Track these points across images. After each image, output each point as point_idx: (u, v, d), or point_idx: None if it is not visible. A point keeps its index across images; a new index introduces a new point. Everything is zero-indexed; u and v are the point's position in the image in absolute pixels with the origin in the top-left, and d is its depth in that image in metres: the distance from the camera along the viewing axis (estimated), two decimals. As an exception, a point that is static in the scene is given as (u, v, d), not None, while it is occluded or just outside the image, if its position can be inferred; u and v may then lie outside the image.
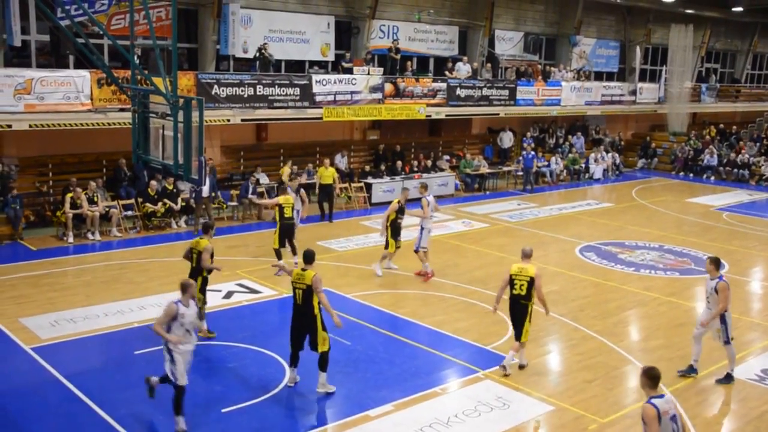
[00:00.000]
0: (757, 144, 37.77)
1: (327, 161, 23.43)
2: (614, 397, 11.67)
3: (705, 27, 40.39)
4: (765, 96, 45.29)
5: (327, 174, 22.56)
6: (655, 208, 27.46)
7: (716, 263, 12.03)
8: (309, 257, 11.14)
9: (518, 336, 12.12)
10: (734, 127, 40.88)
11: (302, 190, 18.17)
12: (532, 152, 30.83)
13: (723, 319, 11.91)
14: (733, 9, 39.29)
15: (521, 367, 12.27)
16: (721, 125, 40.60)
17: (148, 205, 20.19)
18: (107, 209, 19.52)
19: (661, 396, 7.42)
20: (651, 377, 7.45)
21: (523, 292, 11.94)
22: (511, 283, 12.06)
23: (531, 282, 11.90)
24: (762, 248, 21.61)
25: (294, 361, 11.12)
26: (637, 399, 11.54)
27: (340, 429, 10.12)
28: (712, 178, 35.31)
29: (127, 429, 9.82)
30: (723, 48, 44.52)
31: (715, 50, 43.87)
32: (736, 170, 35.39)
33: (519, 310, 12.06)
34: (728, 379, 12.01)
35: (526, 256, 12.31)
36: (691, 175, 35.81)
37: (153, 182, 20.40)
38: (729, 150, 37.16)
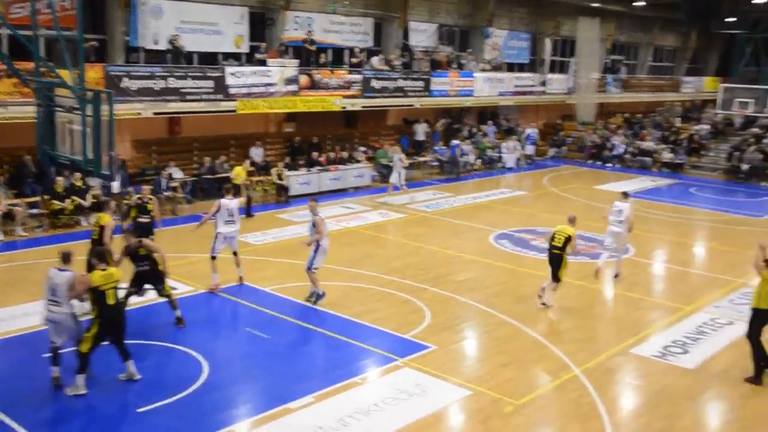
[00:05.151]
0: (659, 132, 38.95)
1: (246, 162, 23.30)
2: (529, 380, 11.98)
3: (610, 20, 41.39)
4: (665, 87, 46.77)
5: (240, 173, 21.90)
6: (565, 195, 28.12)
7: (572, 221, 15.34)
8: (102, 255, 10.84)
9: (555, 277, 15.15)
10: (639, 115, 42.05)
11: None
12: (457, 141, 31.44)
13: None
14: (635, 3, 40.35)
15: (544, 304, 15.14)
16: (627, 114, 41.74)
17: (55, 202, 19.59)
18: (10, 208, 18.80)
19: None
20: None
21: (560, 245, 14.99)
22: (552, 237, 15.17)
23: (568, 239, 14.92)
24: (664, 232, 22.43)
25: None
26: (550, 380, 11.90)
27: (260, 423, 10.06)
28: (617, 165, 36.29)
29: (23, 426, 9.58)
30: (627, 41, 45.71)
31: (620, 43, 44.99)
32: (639, 157, 36.44)
33: (556, 258, 15.13)
34: None
35: (570, 221, 15.42)
36: (599, 162, 36.74)
37: (60, 178, 19.83)
38: (634, 138, 38.24)
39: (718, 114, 38.43)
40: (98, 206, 20.03)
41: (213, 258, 15.27)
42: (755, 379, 12.07)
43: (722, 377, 12.40)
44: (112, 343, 10.71)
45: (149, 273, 12.86)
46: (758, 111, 34.96)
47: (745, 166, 33.68)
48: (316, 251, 14.58)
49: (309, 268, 14.61)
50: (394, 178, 25.65)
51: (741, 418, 11.10)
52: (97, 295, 10.37)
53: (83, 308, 11.27)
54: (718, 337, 14.11)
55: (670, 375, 12.31)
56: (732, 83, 35.32)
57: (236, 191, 17.78)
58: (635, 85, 43.90)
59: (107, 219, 13.80)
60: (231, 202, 15.41)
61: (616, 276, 17.51)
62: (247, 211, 21.56)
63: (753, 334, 12.14)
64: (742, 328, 14.24)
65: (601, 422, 10.53)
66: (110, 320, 10.57)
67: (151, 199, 16.63)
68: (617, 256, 17.44)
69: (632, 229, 17.27)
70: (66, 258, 10.58)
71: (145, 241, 13.11)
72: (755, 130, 36.51)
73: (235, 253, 15.61)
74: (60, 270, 10.41)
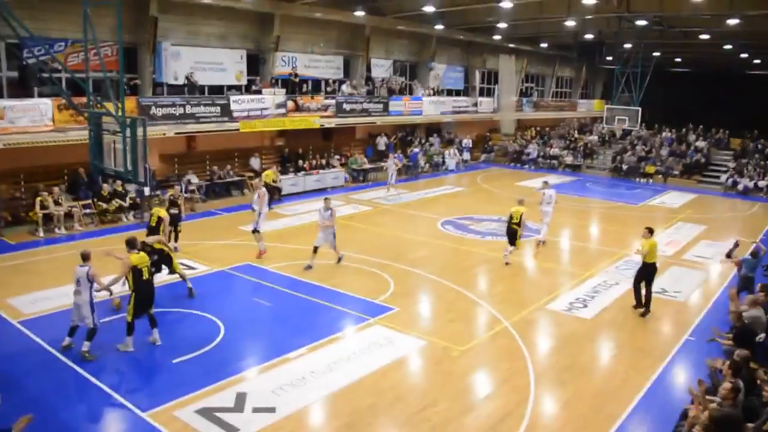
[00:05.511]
0: (562, 141, 39.43)
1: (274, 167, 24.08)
2: (470, 331, 12.11)
3: (523, 57, 41.62)
4: (565, 107, 47.22)
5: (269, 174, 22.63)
6: (494, 190, 28.31)
7: None
8: (133, 243, 10.80)
9: (513, 243, 16.34)
10: (547, 129, 42.47)
11: (263, 189, 16.80)
12: (417, 149, 31.96)
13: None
14: (541, 45, 40.75)
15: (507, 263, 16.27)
16: (538, 127, 42.16)
17: (101, 204, 19.48)
18: (70, 208, 18.68)
19: None
20: None
21: (516, 220, 16.07)
22: (511, 216, 16.21)
23: (521, 216, 16.03)
24: (568, 217, 22.59)
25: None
26: (485, 330, 12.11)
27: (268, 368, 10.15)
28: (532, 166, 36.69)
29: (102, 382, 9.58)
30: (536, 72, 46.03)
31: (531, 74, 45.29)
32: (548, 160, 36.88)
33: (513, 231, 16.18)
34: None
35: (520, 203, 16.56)
36: (518, 165, 37.07)
37: (105, 185, 19.69)
38: (544, 146, 38.64)
39: (604, 128, 38.90)
40: (135, 206, 20.18)
41: (256, 231, 16.21)
42: (636, 306, 13.39)
43: (611, 323, 12.74)
44: (144, 312, 10.72)
45: (159, 260, 12.82)
46: (632, 126, 35.57)
47: (624, 166, 34.33)
48: (334, 236, 15.58)
49: (334, 248, 15.67)
50: (389, 180, 26.38)
51: (625, 352, 11.42)
52: (135, 272, 10.39)
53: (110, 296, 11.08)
54: (608, 294, 14.44)
55: (574, 324, 12.60)
56: (612, 105, 35.81)
57: (268, 190, 18.78)
58: (543, 106, 44.14)
59: (163, 212, 14.38)
60: (257, 192, 16.45)
61: (543, 242, 18.29)
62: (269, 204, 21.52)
63: (636, 278, 13.42)
64: (625, 287, 14.75)
65: (524, 361, 10.75)
66: (145, 292, 10.62)
67: (179, 196, 17.12)
68: (544, 228, 18.29)
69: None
70: (85, 257, 10.39)
71: (148, 239, 12.90)
72: (631, 138, 37.27)
73: (256, 231, 16.30)
74: (81, 266, 10.28)
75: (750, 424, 7.07)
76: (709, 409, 7.42)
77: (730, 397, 7.47)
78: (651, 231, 13.40)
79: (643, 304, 13.31)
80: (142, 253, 10.71)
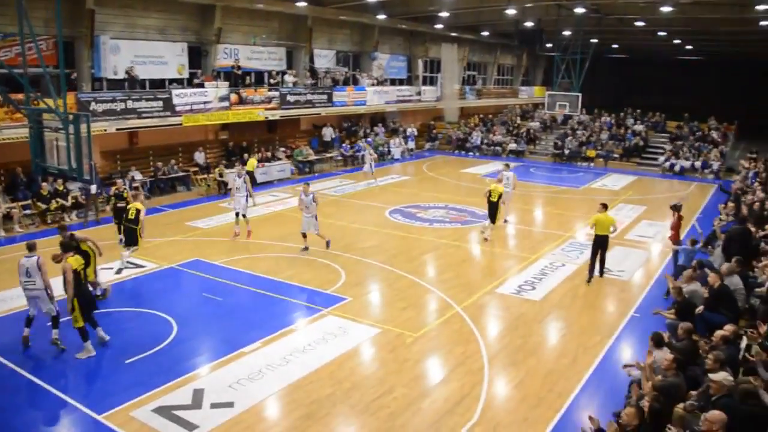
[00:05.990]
0: (505, 127, 40.01)
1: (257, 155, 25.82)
2: (422, 318, 12.28)
3: (465, 45, 42.03)
4: (507, 94, 47.92)
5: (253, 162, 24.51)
6: (439, 177, 28.57)
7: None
8: (69, 246, 10.63)
9: (493, 221, 17.62)
10: (490, 116, 43.03)
11: (246, 177, 17.70)
12: (370, 138, 32.23)
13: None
14: (482, 33, 41.21)
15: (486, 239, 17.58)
16: (481, 115, 42.68)
17: (40, 204, 18.85)
18: (8, 210, 18.08)
19: None
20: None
21: (495, 200, 17.26)
22: (490, 194, 17.31)
23: (500, 195, 17.35)
24: (513, 202, 22.83)
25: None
26: (437, 316, 12.29)
27: (223, 364, 10.12)
28: (477, 153, 37.15)
29: (55, 387, 9.41)
30: (478, 60, 46.56)
31: (473, 62, 45.78)
32: (492, 147, 37.41)
33: (494, 207, 17.37)
34: None
35: (499, 180, 18.28)
36: (463, 152, 37.49)
37: (44, 184, 18.98)
38: (487, 133, 39.14)
39: (545, 113, 39.60)
40: (78, 205, 19.68)
41: (237, 214, 17.38)
42: (587, 280, 14.43)
43: (559, 304, 13.12)
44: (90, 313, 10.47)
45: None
46: (572, 111, 36.32)
47: (566, 151, 35.12)
48: (315, 219, 15.94)
49: (317, 233, 16.03)
50: (366, 168, 26.64)
51: (574, 331, 11.77)
52: (76, 276, 10.10)
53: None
54: (555, 275, 14.85)
55: (523, 306, 12.92)
56: (553, 92, 36.51)
57: (250, 175, 20.48)
58: (486, 93, 44.66)
59: (140, 205, 14.38)
60: (240, 179, 17.40)
61: (506, 221, 19.70)
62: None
63: (592, 252, 14.48)
64: (571, 268, 15.19)
65: (477, 344, 11.00)
66: (85, 295, 10.38)
67: (125, 189, 16.90)
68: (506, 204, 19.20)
69: (515, 188, 20.00)
70: (31, 247, 10.39)
71: (77, 234, 12.30)
72: (572, 123, 38.11)
73: (244, 216, 17.44)
74: (27, 257, 10.21)
75: (693, 392, 7.45)
76: (653, 381, 7.78)
77: (672, 367, 7.82)
78: (604, 206, 14.45)
79: (591, 276, 14.52)
80: (77, 256, 10.45)
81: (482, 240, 17.73)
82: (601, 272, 14.65)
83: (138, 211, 14.20)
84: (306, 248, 16.18)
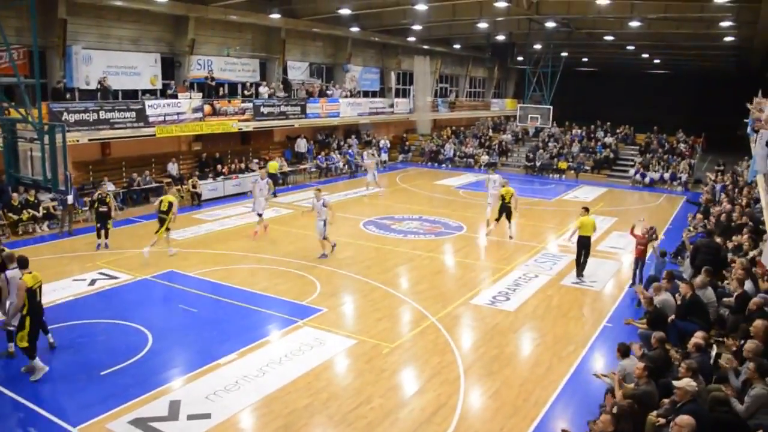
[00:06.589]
0: (477, 140, 40.42)
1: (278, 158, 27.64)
2: (398, 329, 12.36)
3: (437, 58, 42.42)
4: (479, 107, 48.39)
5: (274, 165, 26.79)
6: (413, 189, 28.75)
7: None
8: (25, 262, 10.04)
9: (509, 220, 19.07)
10: (462, 128, 43.41)
11: (269, 180, 19.68)
12: (351, 150, 32.50)
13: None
14: (454, 46, 41.66)
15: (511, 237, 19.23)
16: (454, 127, 43.04)
17: (10, 214, 18.60)
18: (-25, 221, 17.85)
19: None
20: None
21: (508, 200, 18.74)
22: (503, 197, 18.72)
23: (512, 195, 18.78)
24: (485, 214, 23.28)
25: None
26: (413, 327, 12.36)
27: (199, 375, 10.08)
28: (449, 165, 37.43)
29: (28, 400, 9.28)
30: (450, 73, 46.99)
31: (445, 74, 46.20)
32: (465, 159, 37.74)
33: (506, 208, 18.78)
34: None
35: (503, 185, 19.39)
36: (436, 164, 37.74)
37: (15, 194, 18.74)
38: (460, 145, 39.48)
39: (517, 126, 40.14)
40: (49, 216, 19.46)
41: (259, 215, 18.94)
42: (578, 275, 15.63)
43: (533, 314, 13.29)
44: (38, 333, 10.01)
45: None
46: (544, 123, 36.89)
47: (538, 163, 35.59)
48: (324, 224, 16.45)
49: (321, 237, 16.64)
50: (370, 178, 27.12)
51: (548, 341, 11.93)
52: (29, 294, 9.68)
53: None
54: (529, 286, 15.03)
55: (498, 316, 13.06)
56: (525, 104, 37.02)
57: (272, 178, 22.57)
58: (458, 106, 45.02)
59: (173, 198, 16.58)
60: (262, 182, 19.01)
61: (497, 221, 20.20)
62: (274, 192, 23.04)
63: (577, 252, 15.57)
64: (544, 279, 15.41)
65: (453, 355, 11.10)
66: (38, 314, 9.94)
67: (107, 194, 17.75)
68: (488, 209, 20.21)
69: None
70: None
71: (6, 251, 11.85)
72: (544, 135, 38.63)
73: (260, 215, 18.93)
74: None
75: (665, 400, 7.64)
76: (624, 389, 7.97)
77: (644, 375, 8.02)
78: (586, 210, 15.65)
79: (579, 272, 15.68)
80: (35, 273, 10.00)
81: (488, 233, 19.48)
82: (580, 272, 15.65)
83: (170, 204, 16.22)
84: (325, 255, 16.74)
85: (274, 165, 27.46)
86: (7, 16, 16.49)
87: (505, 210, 18.91)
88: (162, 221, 16.36)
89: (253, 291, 14.09)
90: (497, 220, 19.09)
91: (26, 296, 9.65)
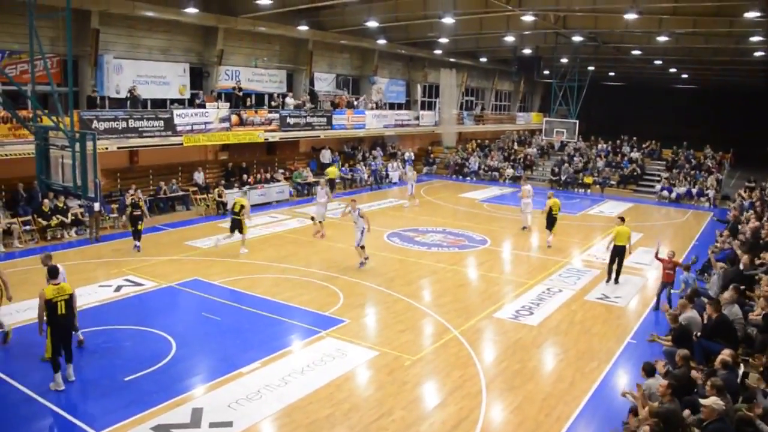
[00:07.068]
0: (502, 153, 40.29)
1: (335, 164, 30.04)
2: (420, 341, 12.28)
3: (463, 71, 42.47)
4: (504, 120, 48.29)
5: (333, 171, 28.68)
6: (437, 202, 28.70)
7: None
8: (54, 272, 9.98)
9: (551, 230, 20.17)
10: (487, 141, 43.32)
11: (328, 188, 21.50)
12: (377, 161, 32.69)
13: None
14: (481, 59, 41.68)
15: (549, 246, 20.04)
16: (479, 140, 42.97)
17: (40, 220, 18.95)
18: (8, 225, 18.16)
19: None
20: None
21: (556, 212, 20.08)
22: (550, 209, 19.97)
23: (558, 206, 20.21)
24: (510, 227, 23.20)
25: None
26: (435, 340, 12.31)
27: (222, 383, 10.10)
28: (474, 178, 37.35)
29: (53, 403, 9.39)
30: (476, 86, 47.00)
31: (471, 87, 46.21)
32: (489, 172, 37.63)
33: (552, 218, 20.00)
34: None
35: (549, 197, 20.51)
36: (460, 177, 37.68)
37: (45, 201, 19.12)
38: (485, 158, 39.39)
39: (543, 140, 39.95)
40: (77, 222, 19.68)
41: (312, 219, 20.72)
42: (606, 281, 16.42)
43: (557, 329, 13.16)
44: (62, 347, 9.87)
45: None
46: (569, 138, 36.66)
47: (563, 177, 35.36)
48: (362, 233, 16.87)
49: (358, 245, 17.02)
50: (410, 190, 27.53)
51: (571, 356, 11.79)
52: (49, 307, 9.57)
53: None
54: (552, 301, 14.89)
55: (521, 331, 12.94)
56: (551, 118, 36.84)
57: (330, 183, 24.72)
58: (484, 119, 45.07)
59: (245, 201, 18.27)
60: (322, 189, 20.86)
61: (524, 227, 22.45)
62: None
63: (611, 259, 16.23)
64: (568, 294, 15.26)
65: (475, 368, 11.02)
66: (62, 326, 9.77)
67: (140, 198, 18.75)
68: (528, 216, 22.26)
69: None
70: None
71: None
72: (569, 149, 38.42)
73: (321, 222, 20.41)
74: None
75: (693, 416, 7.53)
76: (649, 407, 7.85)
77: (667, 393, 7.91)
78: (622, 219, 16.41)
79: (612, 279, 16.40)
80: (62, 285, 9.86)
81: (547, 247, 20.15)
82: (617, 279, 16.34)
83: (242, 207, 17.87)
84: (362, 263, 17.12)
85: (333, 170, 28.86)
86: (42, 26, 16.79)
87: (553, 221, 20.00)
88: (235, 222, 17.98)
89: (277, 300, 14.13)
90: (549, 229, 20.19)
91: (45, 307, 9.60)
